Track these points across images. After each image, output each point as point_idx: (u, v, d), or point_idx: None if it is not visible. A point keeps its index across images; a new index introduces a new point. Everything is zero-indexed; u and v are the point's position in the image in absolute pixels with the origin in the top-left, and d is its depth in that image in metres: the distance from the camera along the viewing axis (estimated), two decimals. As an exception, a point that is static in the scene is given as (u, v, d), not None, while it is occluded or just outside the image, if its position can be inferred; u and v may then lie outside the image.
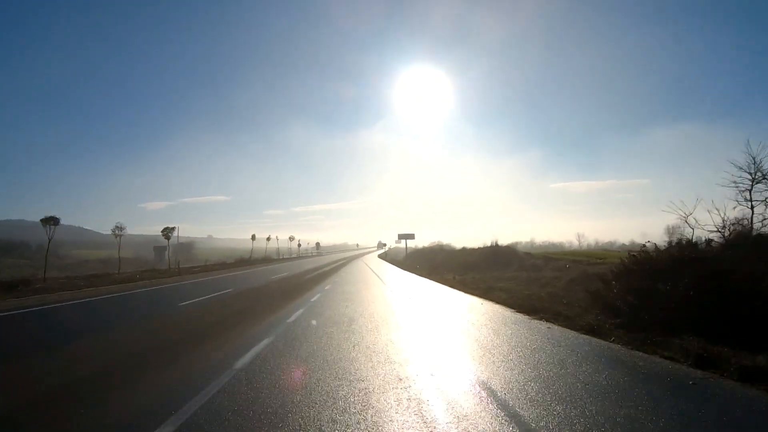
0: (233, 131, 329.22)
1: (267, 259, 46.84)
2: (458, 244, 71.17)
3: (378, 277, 23.18)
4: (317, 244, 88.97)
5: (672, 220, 12.90)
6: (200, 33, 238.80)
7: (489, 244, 31.66)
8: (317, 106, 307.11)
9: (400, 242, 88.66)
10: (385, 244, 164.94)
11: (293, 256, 64.03)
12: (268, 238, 53.24)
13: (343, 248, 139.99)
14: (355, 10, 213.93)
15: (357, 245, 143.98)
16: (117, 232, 23.81)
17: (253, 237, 47.24)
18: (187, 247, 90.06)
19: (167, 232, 28.15)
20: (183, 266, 41.87)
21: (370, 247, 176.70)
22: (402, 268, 31.64)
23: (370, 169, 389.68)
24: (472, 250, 32.71)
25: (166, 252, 58.81)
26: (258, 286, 18.00)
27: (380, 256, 68.57)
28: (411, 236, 43.38)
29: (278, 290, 15.68)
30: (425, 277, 23.23)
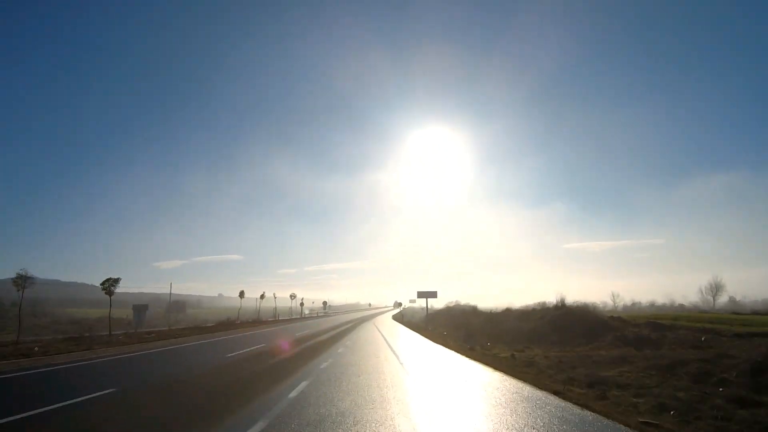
0: (246, 190, 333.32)
1: (256, 323, 38.61)
2: (482, 303, 61.54)
3: (395, 355, 14.90)
4: (324, 303, 79.61)
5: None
6: (211, 86, 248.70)
7: (547, 303, 23.20)
8: (332, 164, 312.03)
9: (414, 301, 78.12)
10: (400, 304, 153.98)
11: (293, 317, 55.35)
12: (262, 296, 45.19)
13: (354, 308, 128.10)
14: (364, 64, 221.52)
15: (369, 305, 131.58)
16: (20, 282, 16.44)
17: (242, 294, 39.70)
18: (180, 305, 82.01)
19: (108, 284, 20.74)
20: (145, 329, 33.87)
21: (383, 307, 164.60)
22: (426, 336, 23.19)
23: (381, 228, 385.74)
24: (526, 313, 24.06)
25: (146, 312, 51.08)
26: (179, 377, 10.08)
27: (395, 318, 58.72)
28: (433, 294, 34.92)
29: (201, 396, 7.77)
30: (468, 356, 14.83)
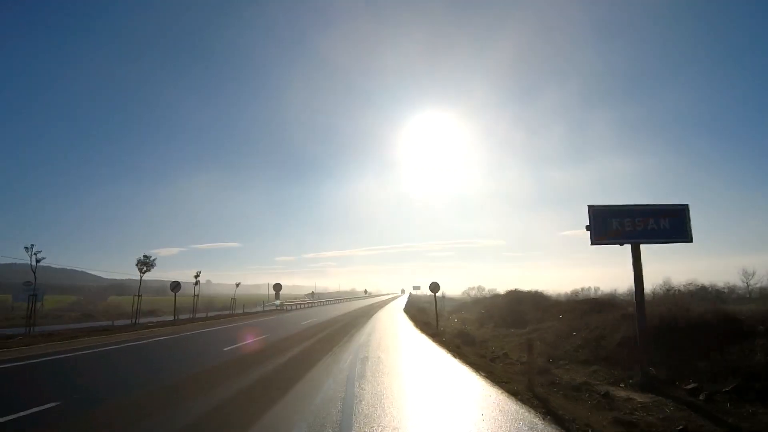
0: (244, 178, 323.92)
1: (215, 318, 27.91)
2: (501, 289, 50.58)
3: None
4: (312, 293, 68.12)
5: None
6: (209, 76, 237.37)
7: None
8: (331, 148, 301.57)
9: (419, 288, 67.88)
10: (403, 291, 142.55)
11: (259, 310, 43.73)
12: (196, 281, 33.92)
13: (350, 295, 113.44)
14: (367, 48, 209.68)
15: (366, 292, 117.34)
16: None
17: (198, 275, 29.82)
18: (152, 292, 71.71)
19: None
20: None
21: (383, 294, 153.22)
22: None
23: (378, 218, 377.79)
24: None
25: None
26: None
27: (407, 312, 43.47)
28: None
29: None
30: None
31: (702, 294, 32.87)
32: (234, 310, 37.96)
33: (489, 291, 75.01)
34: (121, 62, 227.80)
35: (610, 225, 10.78)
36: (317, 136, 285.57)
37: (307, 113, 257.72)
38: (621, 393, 10.13)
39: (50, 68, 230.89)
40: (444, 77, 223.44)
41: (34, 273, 19.22)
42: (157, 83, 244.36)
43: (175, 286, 27.61)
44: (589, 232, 10.82)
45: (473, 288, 77.03)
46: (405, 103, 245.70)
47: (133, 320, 24.78)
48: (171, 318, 28.12)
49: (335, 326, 24.81)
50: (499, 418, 6.54)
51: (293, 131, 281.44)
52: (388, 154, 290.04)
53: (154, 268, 26.36)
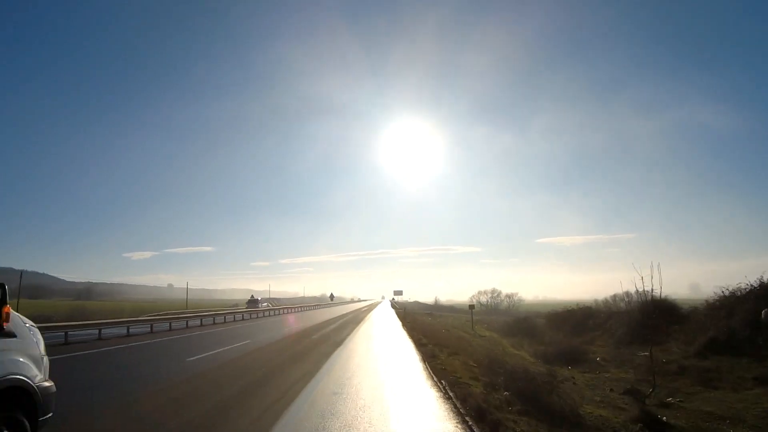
0: (217, 180, 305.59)
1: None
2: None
3: None
4: (252, 298, 51.67)
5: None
6: (189, 84, 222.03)
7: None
8: (310, 153, 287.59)
9: (401, 293, 60.45)
10: (383, 297, 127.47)
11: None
12: None
13: (318, 302, 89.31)
14: (338, 55, 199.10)
15: (331, 297, 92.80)
16: None
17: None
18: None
19: None
20: None
21: (359, 300, 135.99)
22: None
23: (354, 225, 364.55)
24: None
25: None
26: None
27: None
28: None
29: None
30: None
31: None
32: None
33: (507, 296, 62.79)
34: (104, 58, 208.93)
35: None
36: (295, 142, 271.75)
37: (285, 119, 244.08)
38: None
39: (26, 64, 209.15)
40: (422, 83, 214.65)
41: None
42: (136, 79, 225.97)
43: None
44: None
45: (484, 293, 64.95)
46: (382, 109, 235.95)
47: None
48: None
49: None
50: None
51: (272, 135, 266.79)
52: (365, 161, 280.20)
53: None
